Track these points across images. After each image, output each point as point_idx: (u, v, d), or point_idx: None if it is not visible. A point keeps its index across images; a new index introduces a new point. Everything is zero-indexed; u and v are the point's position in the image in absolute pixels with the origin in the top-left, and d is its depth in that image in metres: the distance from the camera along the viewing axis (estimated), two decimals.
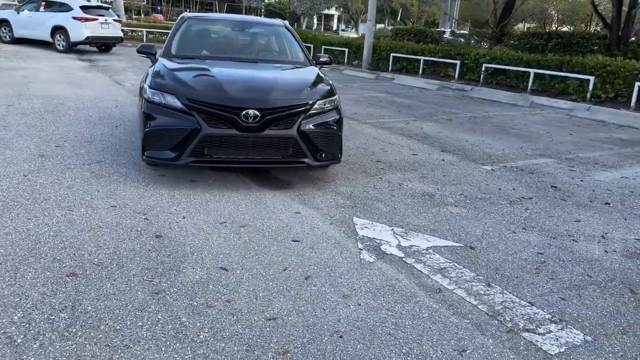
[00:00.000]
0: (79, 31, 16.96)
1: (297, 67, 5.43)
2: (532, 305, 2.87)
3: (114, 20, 18.06)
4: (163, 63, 4.99)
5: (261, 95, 4.42)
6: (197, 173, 4.78)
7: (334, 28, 61.66)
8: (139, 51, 5.60)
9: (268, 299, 2.72)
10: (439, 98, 11.95)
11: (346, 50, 19.09)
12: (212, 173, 4.83)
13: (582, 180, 5.51)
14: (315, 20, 61.74)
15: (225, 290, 2.78)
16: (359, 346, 2.38)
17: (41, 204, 3.83)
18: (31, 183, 4.26)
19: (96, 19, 17.26)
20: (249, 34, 6.15)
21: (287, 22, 6.37)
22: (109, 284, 2.76)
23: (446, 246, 3.59)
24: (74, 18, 16.99)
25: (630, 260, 3.57)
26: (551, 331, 2.62)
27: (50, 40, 17.44)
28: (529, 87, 12.47)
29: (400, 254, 3.41)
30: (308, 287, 2.88)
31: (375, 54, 17.69)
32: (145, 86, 4.55)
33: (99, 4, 20.06)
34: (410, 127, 7.97)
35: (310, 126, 4.48)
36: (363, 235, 3.68)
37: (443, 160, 6.04)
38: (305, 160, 4.51)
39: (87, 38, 17.10)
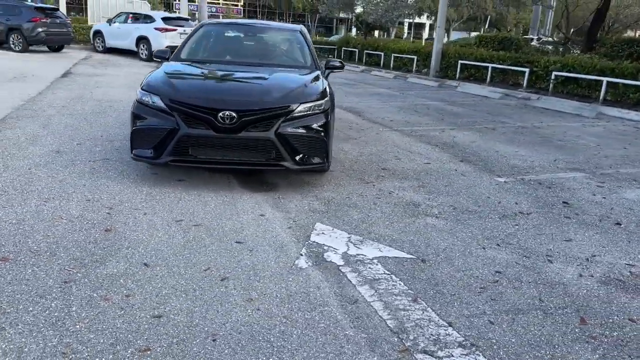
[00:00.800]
0: (160, 41, 18.05)
1: (297, 71, 5.39)
2: (450, 326, 2.62)
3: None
4: (164, 66, 5.18)
5: (240, 97, 4.46)
6: (188, 173, 4.89)
7: (425, 36, 60.78)
8: (155, 56, 5.85)
9: (168, 297, 2.72)
10: (496, 107, 11.34)
11: (415, 57, 18.71)
12: (203, 174, 4.92)
13: (604, 198, 4.96)
14: (405, 29, 61.24)
15: (132, 286, 2.81)
16: (226, 351, 2.31)
17: (25, 194, 4.11)
18: (30, 175, 4.59)
19: (175, 29, 18.32)
20: (261, 38, 6.23)
21: (303, 28, 6.36)
22: (30, 270, 2.90)
23: (396, 257, 3.39)
24: (156, 29, 18.16)
25: (604, 286, 3.16)
26: (452, 355, 2.38)
27: (135, 49, 18.76)
28: (600, 97, 11.47)
29: (340, 262, 3.26)
30: (217, 289, 2.84)
31: (443, 62, 17.18)
32: (139, 88, 4.74)
33: (180, 15, 21.27)
34: (442, 136, 7.63)
35: (291, 129, 4.43)
36: (314, 241, 3.57)
37: (455, 170, 5.71)
38: (284, 163, 4.47)
39: (167, 47, 18.15)
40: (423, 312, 2.73)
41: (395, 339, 2.48)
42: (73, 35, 19.61)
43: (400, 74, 18.10)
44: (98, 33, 20.37)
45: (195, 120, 4.33)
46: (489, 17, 50.96)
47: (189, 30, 18.70)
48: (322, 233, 3.72)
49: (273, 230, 3.71)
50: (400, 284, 3.02)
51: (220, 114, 4.28)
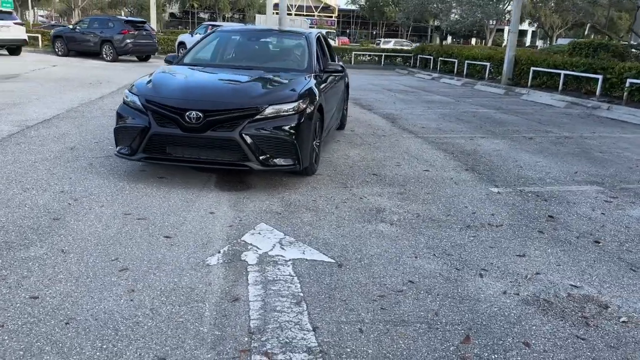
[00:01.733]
0: None
1: (286, 74, 5.40)
2: (313, 330, 2.52)
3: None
4: (159, 69, 5.45)
5: (207, 98, 4.58)
6: (172, 171, 5.08)
7: (527, 44, 57.93)
8: (166, 60, 6.17)
9: (57, 281, 2.86)
10: (553, 116, 10.56)
11: (488, 64, 17.92)
12: (188, 172, 5.06)
13: (603, 213, 4.47)
14: (505, 36, 58.85)
15: (35, 268, 3.00)
16: (69, 334, 2.39)
17: (10, 184, 4.51)
18: (30, 168, 5.02)
19: None
20: (265, 44, 6.33)
21: (311, 34, 6.34)
22: None
23: (314, 260, 3.30)
24: None
25: (523, 306, 2.86)
26: (291, 358, 2.28)
27: None
28: None
29: (252, 262, 3.24)
30: (109, 278, 2.94)
31: (516, 69, 16.30)
32: (127, 89, 5.03)
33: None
34: (466, 144, 7.26)
35: (256, 130, 4.47)
36: (243, 240, 3.57)
37: (451, 178, 5.42)
38: (248, 164, 4.51)
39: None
40: (296, 315, 2.64)
41: (246, 339, 2.42)
42: (157, 45, 21.05)
43: (471, 81, 17.42)
44: (182, 44, 21.73)
45: (165, 119, 4.52)
46: (589, 23, 47.51)
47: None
48: (258, 233, 3.71)
49: (210, 228, 3.76)
50: (296, 287, 2.94)
51: (187, 113, 4.42)
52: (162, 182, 4.78)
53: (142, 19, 21.76)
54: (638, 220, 4.35)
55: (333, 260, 3.31)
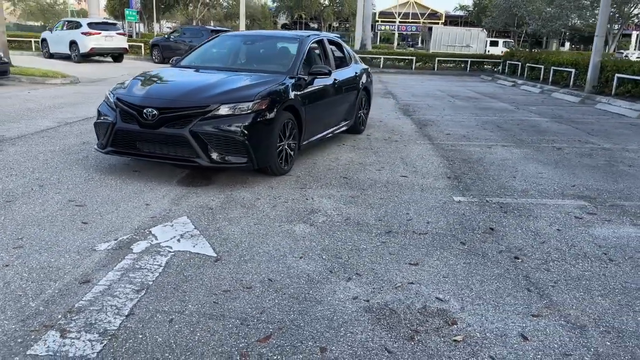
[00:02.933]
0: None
1: (264, 76, 5.49)
2: (123, 317, 2.62)
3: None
4: (153, 70, 5.84)
5: (165, 97, 4.84)
6: (149, 166, 5.37)
7: (631, 49, 52.47)
8: (170, 62, 6.58)
9: None
10: (612, 127, 9.57)
11: (573, 71, 16.57)
12: (163, 167, 5.32)
13: (559, 230, 4.06)
14: (634, 41, 53.83)
15: None
16: None
17: (1, 170, 5.10)
18: (32, 157, 5.61)
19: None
20: (258, 47, 6.49)
21: (306, 38, 6.37)
22: None
23: (197, 253, 3.40)
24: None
25: (363, 313, 2.74)
26: (79, 337, 2.41)
27: None
28: None
29: (136, 251, 3.40)
30: (0, 253, 3.26)
31: (602, 75, 14.90)
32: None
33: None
34: (478, 152, 6.86)
35: (206, 128, 4.64)
36: (149, 231, 3.75)
37: (422, 185, 5.19)
38: (197, 160, 4.70)
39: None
40: (125, 302, 2.75)
41: (59, 317, 2.58)
42: None
43: (552, 89, 16.24)
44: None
45: (128, 116, 4.85)
46: None
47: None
48: (171, 226, 3.87)
49: (131, 218, 3.98)
50: (152, 276, 3.05)
51: (144, 110, 4.72)
52: (132, 175, 5.11)
53: (228, 29, 22.94)
54: (595, 239, 3.88)
55: (215, 255, 3.37)
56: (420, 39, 70.88)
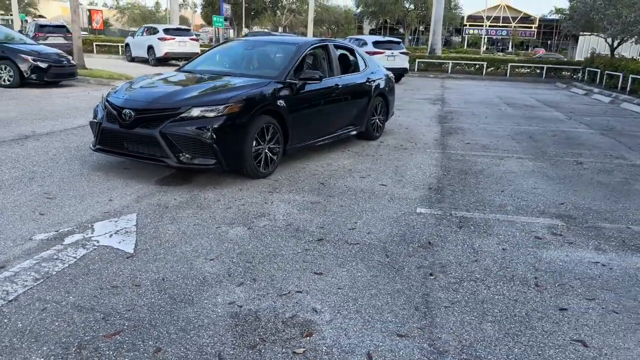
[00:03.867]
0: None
1: (249, 80, 5.61)
2: (8, 301, 2.82)
3: (401, 52, 19.63)
4: (153, 73, 6.16)
5: (142, 98, 5.10)
6: (140, 165, 5.65)
7: None
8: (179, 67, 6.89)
9: None
10: None
11: None
12: (155, 166, 5.58)
13: (504, 249, 3.81)
14: None
15: None
16: None
17: (10, 162, 5.60)
18: (44, 152, 6.10)
19: (383, 52, 19.18)
20: (256, 52, 6.61)
21: (304, 43, 6.43)
22: None
23: (117, 249, 3.56)
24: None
25: (229, 319, 2.75)
26: None
27: None
28: None
29: (66, 242, 3.61)
30: None
31: None
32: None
33: (391, 39, 21.98)
34: (487, 163, 6.54)
35: (175, 129, 4.83)
36: (92, 225, 3.97)
37: (394, 195, 5.06)
38: (165, 160, 4.90)
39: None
40: (13, 288, 2.95)
41: None
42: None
43: (626, 98, 14.97)
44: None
45: (111, 116, 5.17)
46: None
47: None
48: (115, 221, 4.07)
49: (85, 212, 4.23)
50: (57, 268, 3.23)
51: (123, 111, 5.00)
52: (119, 172, 5.40)
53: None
54: (537, 262, 3.59)
55: (132, 252, 3.51)
56: (511, 43, 68.01)
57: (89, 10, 60.01)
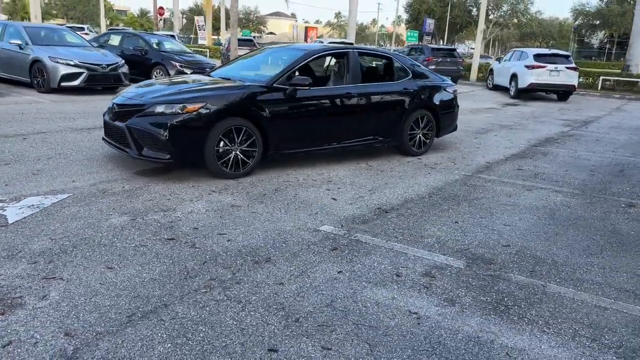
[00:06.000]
0: (525, 78, 17.48)
1: (240, 84, 5.81)
2: None
3: (568, 67, 17.38)
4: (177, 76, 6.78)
5: (127, 95, 5.72)
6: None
7: None
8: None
9: None
10: None
11: None
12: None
13: (336, 279, 3.33)
14: None
15: None
16: None
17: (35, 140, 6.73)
18: (82, 140, 7.18)
19: (545, 67, 17.26)
20: (273, 58, 6.70)
21: (309, 51, 6.36)
22: None
23: (5, 217, 4.12)
24: (526, 66, 17.66)
25: None
26: None
27: (508, 86, 18.74)
28: None
29: None
30: None
31: None
32: None
33: (556, 51, 19.29)
34: (502, 191, 5.62)
35: (137, 123, 5.29)
36: (22, 198, 4.59)
37: (326, 211, 4.73)
38: (128, 150, 5.40)
39: (531, 84, 17.37)
40: None
41: None
42: (462, 72, 21.41)
43: None
44: (491, 71, 21.40)
45: (108, 110, 5.88)
46: None
47: (562, 67, 17.27)
48: (45, 198, 4.62)
49: (38, 188, 4.89)
50: None
51: (112, 105, 5.68)
52: (118, 160, 6.02)
53: (452, 47, 22.40)
54: (337, 299, 3.05)
55: (9, 223, 3.99)
56: None
57: (305, 28, 65.90)
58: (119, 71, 12.13)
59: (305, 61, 6.19)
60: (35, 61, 11.40)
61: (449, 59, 20.63)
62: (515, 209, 4.98)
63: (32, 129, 7.64)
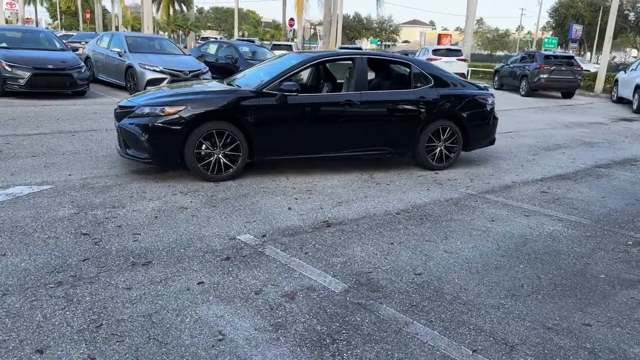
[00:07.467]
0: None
1: (234, 89, 5.96)
2: None
3: None
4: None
5: (131, 97, 6.12)
6: None
7: None
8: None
9: None
10: None
11: None
12: None
13: (200, 289, 3.26)
14: None
15: None
16: None
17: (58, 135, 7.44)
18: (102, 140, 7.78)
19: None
20: (276, 64, 6.67)
21: (305, 58, 6.25)
22: None
23: None
24: None
25: None
26: None
27: (631, 99, 16.55)
28: None
29: None
30: None
31: None
32: None
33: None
34: (495, 215, 5.03)
35: (125, 124, 5.65)
36: (11, 185, 5.17)
37: (273, 218, 4.63)
38: (118, 148, 5.81)
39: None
40: None
41: None
42: (580, 82, 19.31)
43: None
44: (616, 82, 18.98)
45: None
46: None
47: None
48: (30, 187, 5.14)
49: (34, 178, 5.45)
50: None
51: (117, 107, 6.14)
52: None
53: (570, 55, 20.23)
54: (161, 311, 2.96)
55: None
56: None
57: (439, 35, 64.49)
58: (201, 78, 12.92)
59: (300, 68, 6.09)
60: (129, 67, 12.64)
61: (563, 68, 18.68)
62: (482, 235, 4.38)
63: (89, 126, 8.49)
